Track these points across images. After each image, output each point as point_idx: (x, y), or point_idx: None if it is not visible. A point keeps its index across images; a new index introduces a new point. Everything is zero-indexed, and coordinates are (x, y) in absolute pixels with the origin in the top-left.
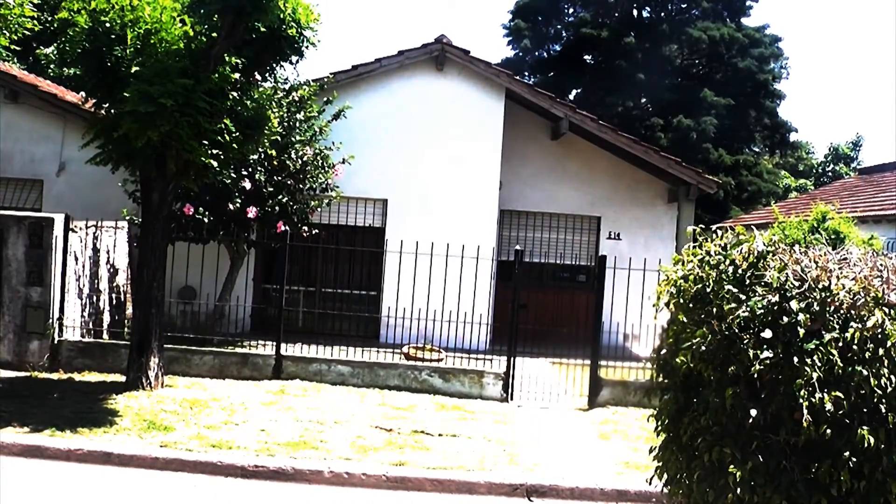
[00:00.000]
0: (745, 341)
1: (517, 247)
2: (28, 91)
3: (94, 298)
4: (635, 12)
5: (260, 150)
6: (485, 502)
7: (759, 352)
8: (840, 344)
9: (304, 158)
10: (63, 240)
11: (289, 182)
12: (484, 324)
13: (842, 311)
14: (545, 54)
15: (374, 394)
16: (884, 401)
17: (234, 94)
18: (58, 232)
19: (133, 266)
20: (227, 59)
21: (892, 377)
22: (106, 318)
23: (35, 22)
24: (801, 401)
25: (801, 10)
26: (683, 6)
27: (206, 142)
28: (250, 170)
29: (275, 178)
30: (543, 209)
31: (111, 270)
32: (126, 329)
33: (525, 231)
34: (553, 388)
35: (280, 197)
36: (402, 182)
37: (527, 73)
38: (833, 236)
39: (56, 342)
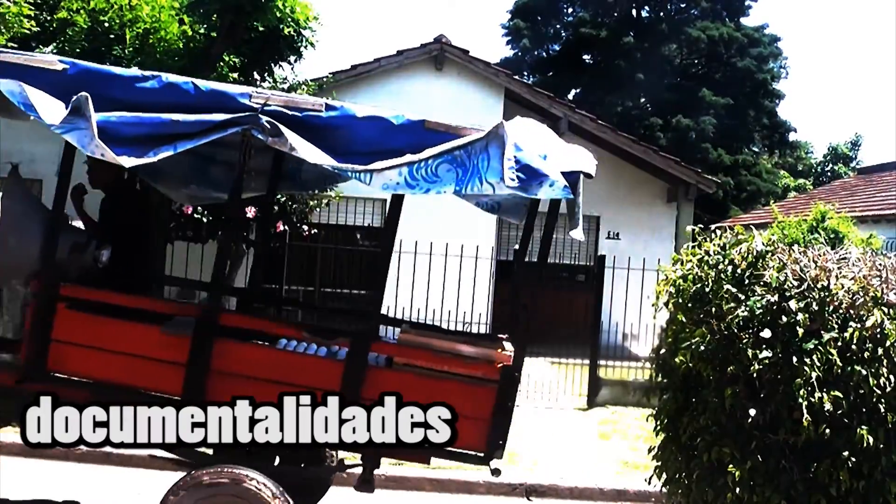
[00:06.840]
0: (744, 341)
1: (516, 246)
2: None
3: None
4: (634, 12)
5: None
6: (484, 502)
7: (758, 351)
8: (839, 343)
9: None
10: None
11: None
12: (483, 323)
13: (841, 311)
14: (544, 54)
15: None
16: (883, 400)
17: None
18: None
19: None
20: (225, 58)
21: (891, 377)
22: None
23: (34, 21)
24: (800, 400)
25: (801, 9)
26: (682, 6)
27: None
28: None
29: None
30: (542, 209)
31: None
32: None
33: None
34: (552, 388)
35: (279, 196)
36: None
37: (526, 73)
38: (832, 236)
39: None
